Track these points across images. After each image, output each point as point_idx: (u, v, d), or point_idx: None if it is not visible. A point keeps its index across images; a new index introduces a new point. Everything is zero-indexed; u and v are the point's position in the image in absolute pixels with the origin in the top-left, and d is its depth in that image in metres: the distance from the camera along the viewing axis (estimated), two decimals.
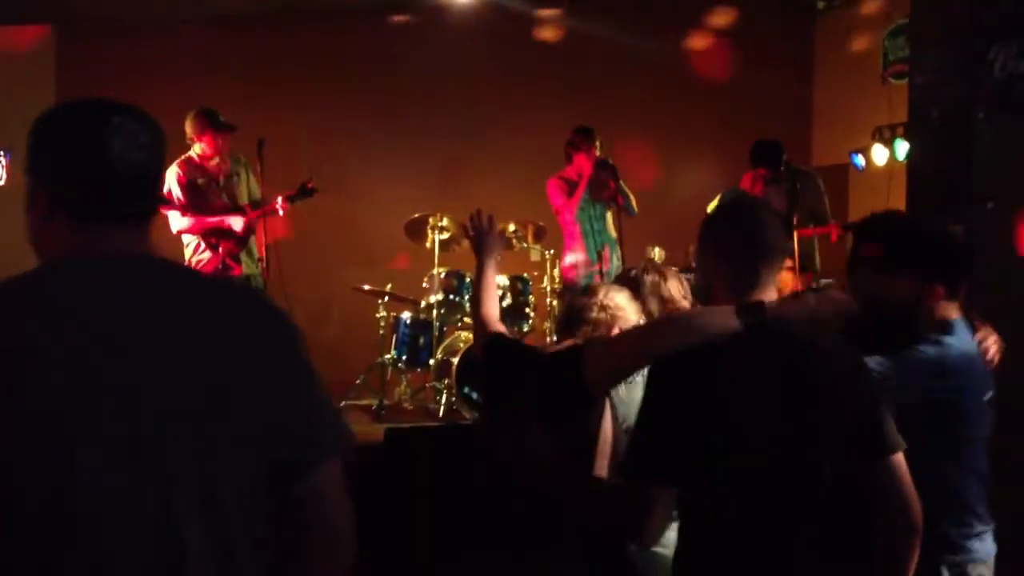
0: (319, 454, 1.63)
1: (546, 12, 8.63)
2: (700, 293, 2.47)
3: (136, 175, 1.62)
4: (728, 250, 2.26)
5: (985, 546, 2.60)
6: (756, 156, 6.91)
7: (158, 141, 1.67)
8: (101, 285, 1.56)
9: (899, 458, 2.25)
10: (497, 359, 2.91)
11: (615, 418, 2.73)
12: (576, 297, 3.00)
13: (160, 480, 1.49)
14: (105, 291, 1.56)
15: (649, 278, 3.03)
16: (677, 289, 3.05)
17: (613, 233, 7.13)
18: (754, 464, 2.10)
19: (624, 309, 2.84)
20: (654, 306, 2.99)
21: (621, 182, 6.98)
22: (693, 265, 2.57)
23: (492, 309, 2.86)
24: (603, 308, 2.81)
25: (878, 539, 2.28)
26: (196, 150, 6.31)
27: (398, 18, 8.55)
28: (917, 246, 2.61)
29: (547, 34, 8.71)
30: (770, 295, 2.23)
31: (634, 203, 7.10)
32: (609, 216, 7.17)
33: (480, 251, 2.99)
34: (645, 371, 2.33)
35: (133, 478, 1.47)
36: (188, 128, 6.24)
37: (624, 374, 2.56)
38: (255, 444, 1.56)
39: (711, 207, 7.24)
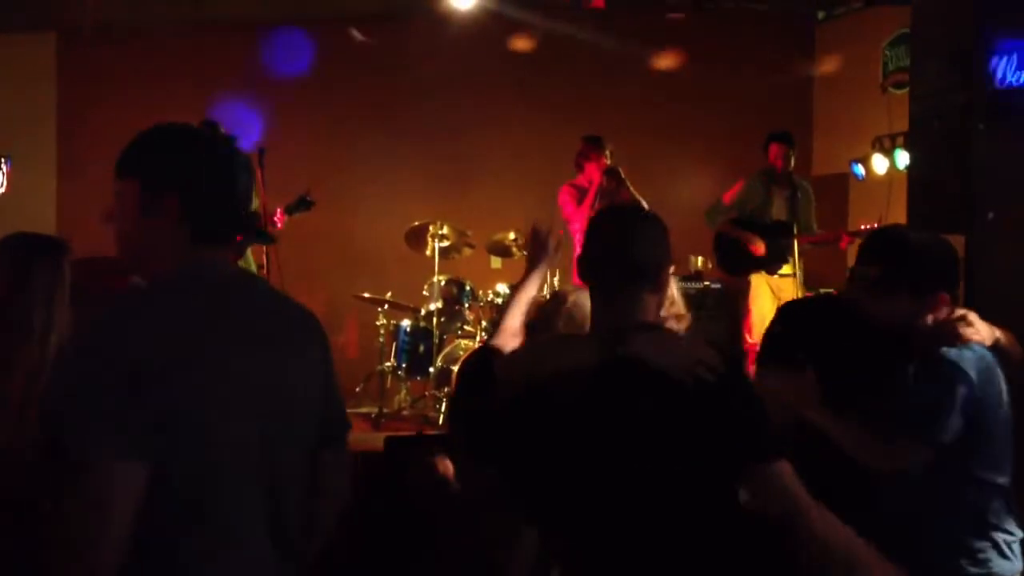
0: (344, 430, 2.07)
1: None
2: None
3: (245, 208, 1.91)
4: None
5: (1011, 562, 2.58)
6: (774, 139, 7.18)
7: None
8: (235, 299, 1.85)
9: (783, 465, 1.99)
10: (461, 377, 2.88)
11: None
12: (545, 302, 2.96)
13: (266, 452, 1.79)
14: (240, 305, 1.85)
15: None
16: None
17: None
18: (604, 498, 1.97)
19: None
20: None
21: (632, 190, 7.00)
22: (693, 272, 2.57)
23: (511, 320, 2.80)
24: (570, 318, 2.77)
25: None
26: None
27: (400, 25, 8.55)
28: (913, 264, 2.61)
29: (550, 44, 8.72)
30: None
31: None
32: None
33: (532, 262, 2.90)
34: None
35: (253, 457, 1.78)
36: None
37: None
38: (312, 428, 1.92)
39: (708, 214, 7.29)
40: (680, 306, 2.99)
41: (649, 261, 2.08)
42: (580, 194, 7.09)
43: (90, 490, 1.61)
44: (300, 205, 6.30)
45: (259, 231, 6.24)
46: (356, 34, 8.37)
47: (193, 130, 1.90)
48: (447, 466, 2.57)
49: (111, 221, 1.87)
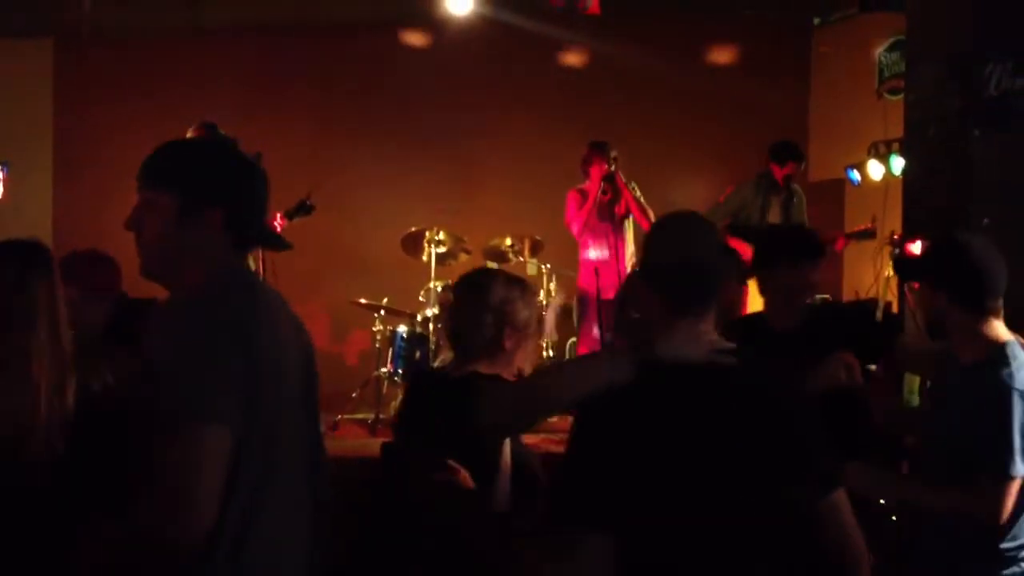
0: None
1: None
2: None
3: (265, 214, 2.13)
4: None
5: None
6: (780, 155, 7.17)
7: None
8: (267, 298, 2.08)
9: (841, 496, 1.98)
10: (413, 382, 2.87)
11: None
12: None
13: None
14: (273, 302, 2.08)
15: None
16: None
17: (632, 247, 7.13)
18: (687, 503, 1.94)
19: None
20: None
21: (636, 195, 7.00)
22: None
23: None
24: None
25: None
26: None
27: (400, 33, 8.56)
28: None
29: (546, 51, 8.73)
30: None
31: (651, 216, 7.13)
32: (629, 231, 7.17)
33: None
34: None
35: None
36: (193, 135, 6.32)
37: (520, 427, 2.50)
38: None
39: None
40: None
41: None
42: (583, 199, 7.10)
43: (192, 450, 1.75)
44: (300, 210, 6.29)
45: (278, 237, 6.21)
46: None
47: (222, 142, 2.09)
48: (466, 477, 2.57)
49: (134, 229, 1.97)
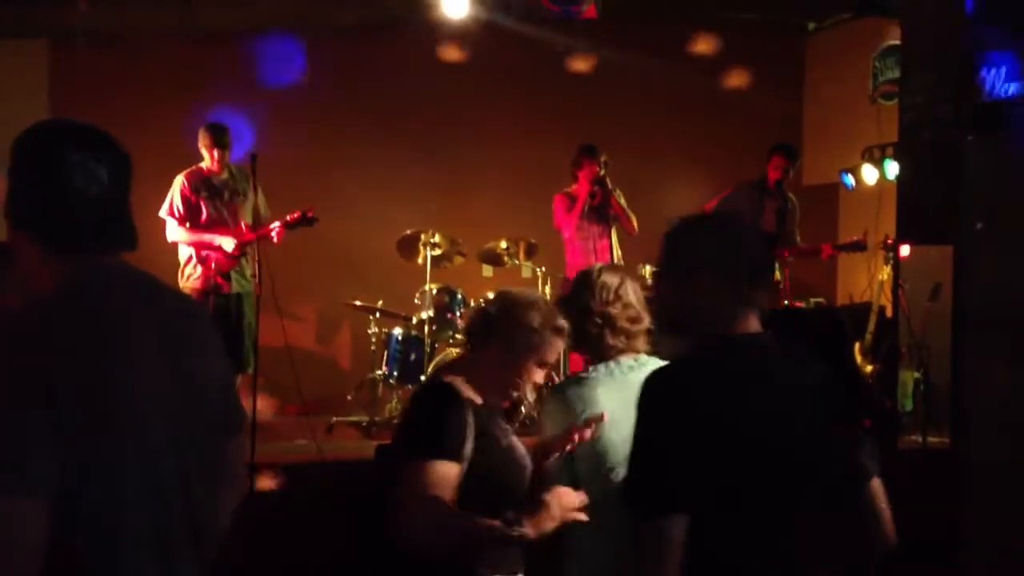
0: (242, 417, 2.11)
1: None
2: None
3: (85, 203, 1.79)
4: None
5: None
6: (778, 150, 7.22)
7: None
8: (121, 306, 1.82)
9: (877, 483, 2.14)
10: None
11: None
12: (579, 277, 2.97)
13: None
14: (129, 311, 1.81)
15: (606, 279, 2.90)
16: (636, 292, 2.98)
17: (618, 252, 7.15)
18: (772, 490, 1.98)
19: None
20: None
21: (620, 200, 7.04)
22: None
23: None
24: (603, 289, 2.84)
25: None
26: (205, 163, 6.38)
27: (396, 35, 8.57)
28: None
29: (542, 55, 8.74)
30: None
31: (634, 222, 7.17)
32: (614, 235, 7.19)
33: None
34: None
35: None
36: (200, 140, 6.35)
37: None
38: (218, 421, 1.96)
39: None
40: (648, 321, 2.89)
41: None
42: (571, 202, 7.13)
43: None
44: (302, 222, 6.27)
45: (303, 217, 6.15)
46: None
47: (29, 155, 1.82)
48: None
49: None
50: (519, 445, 2.71)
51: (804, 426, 2.00)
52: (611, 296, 2.85)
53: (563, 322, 2.70)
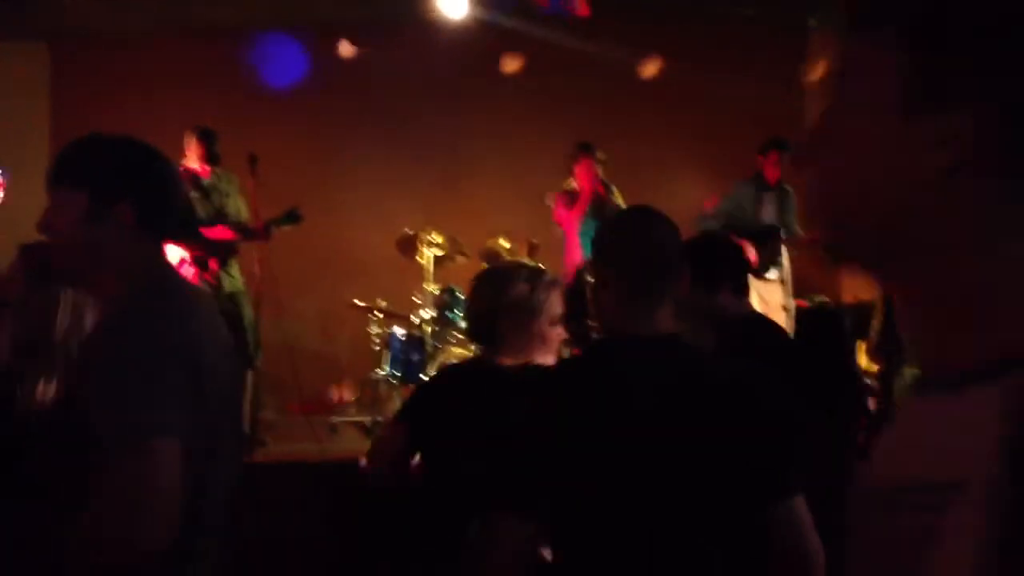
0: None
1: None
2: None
3: (179, 204, 2.11)
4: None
5: None
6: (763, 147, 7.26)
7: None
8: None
9: (800, 502, 1.91)
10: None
11: None
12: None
13: None
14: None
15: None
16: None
17: None
18: (623, 484, 1.87)
19: None
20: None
21: (616, 197, 7.05)
22: None
23: None
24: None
25: None
26: (192, 163, 6.37)
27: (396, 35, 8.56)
28: None
29: (539, 53, 8.73)
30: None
31: None
32: None
33: None
34: None
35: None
36: (187, 144, 6.34)
37: None
38: None
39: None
40: None
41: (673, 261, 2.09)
42: (571, 199, 7.13)
43: (147, 469, 1.68)
44: (288, 219, 6.24)
45: (289, 214, 6.16)
46: (346, 46, 8.37)
47: (124, 137, 1.99)
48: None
49: (45, 232, 1.94)
50: None
51: (683, 434, 1.87)
52: None
53: (548, 274, 2.79)
